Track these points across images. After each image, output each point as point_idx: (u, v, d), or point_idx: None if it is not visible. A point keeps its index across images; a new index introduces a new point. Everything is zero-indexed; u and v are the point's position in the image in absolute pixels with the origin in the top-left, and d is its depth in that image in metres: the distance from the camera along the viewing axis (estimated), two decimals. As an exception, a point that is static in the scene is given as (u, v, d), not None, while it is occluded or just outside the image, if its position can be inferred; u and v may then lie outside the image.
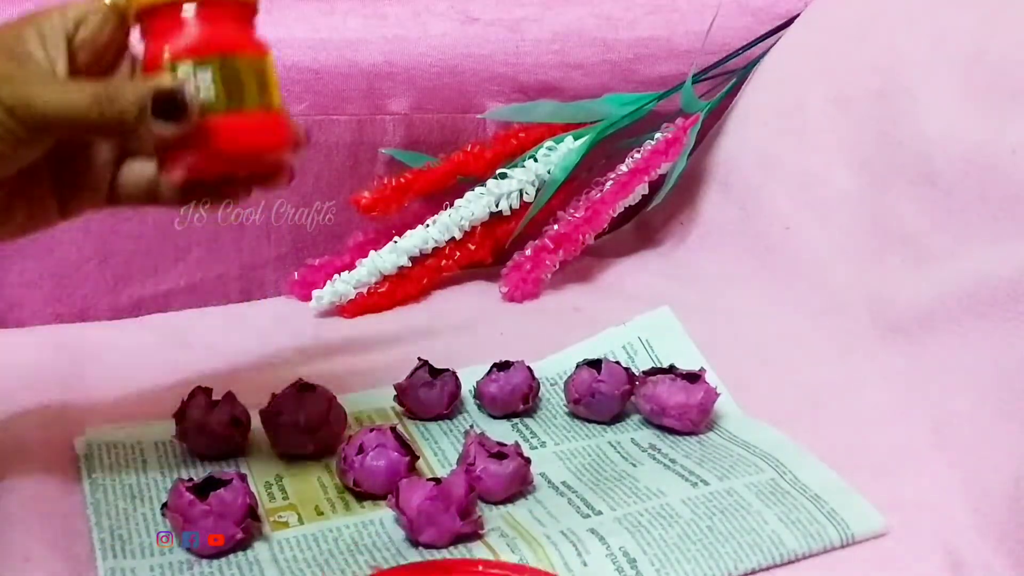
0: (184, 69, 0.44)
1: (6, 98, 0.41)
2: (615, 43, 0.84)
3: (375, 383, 0.64)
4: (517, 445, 0.54)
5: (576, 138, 0.80)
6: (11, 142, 0.42)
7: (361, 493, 0.53)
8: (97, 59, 0.46)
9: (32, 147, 0.44)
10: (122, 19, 0.46)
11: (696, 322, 0.69)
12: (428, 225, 0.79)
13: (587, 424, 0.61)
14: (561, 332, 0.70)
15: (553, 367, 0.66)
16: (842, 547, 0.51)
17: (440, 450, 0.58)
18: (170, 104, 0.42)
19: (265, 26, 0.77)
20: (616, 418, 0.61)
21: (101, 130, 0.43)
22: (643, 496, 0.53)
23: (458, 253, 0.79)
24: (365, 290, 0.76)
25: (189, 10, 0.44)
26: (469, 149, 0.80)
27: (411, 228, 0.79)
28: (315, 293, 0.75)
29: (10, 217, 0.47)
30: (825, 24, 0.81)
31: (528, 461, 0.54)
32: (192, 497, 0.47)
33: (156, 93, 0.42)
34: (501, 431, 0.60)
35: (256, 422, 0.57)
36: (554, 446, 0.59)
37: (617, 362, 0.62)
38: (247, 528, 0.48)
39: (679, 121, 0.81)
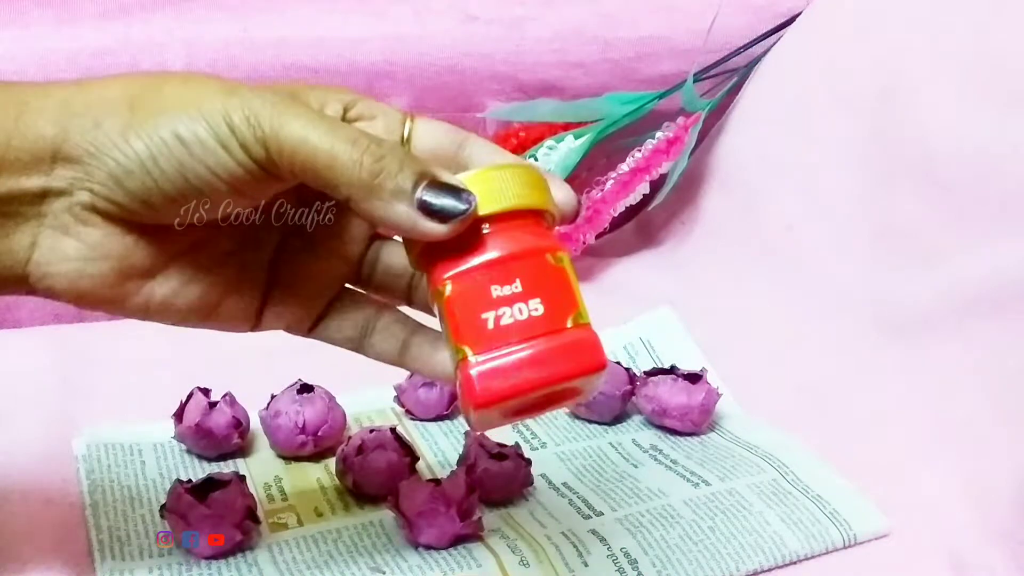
0: None
1: (263, 125, 0.34)
2: (616, 41, 0.83)
3: (375, 383, 0.63)
4: (517, 446, 0.54)
5: (577, 137, 0.80)
6: (233, 176, 0.35)
7: (361, 494, 0.52)
8: None
9: (252, 187, 0.36)
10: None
11: (697, 322, 0.69)
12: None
13: (588, 425, 0.61)
14: (562, 332, 0.70)
15: (554, 367, 0.66)
16: (844, 548, 0.51)
17: (440, 451, 0.58)
18: (438, 201, 0.34)
19: (264, 25, 0.78)
20: (617, 419, 0.61)
21: (345, 185, 0.34)
22: (644, 497, 0.53)
23: (459, 252, 0.79)
24: (365, 290, 0.76)
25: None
26: (469, 148, 0.79)
27: (411, 228, 0.79)
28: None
29: (197, 299, 0.39)
30: (827, 22, 0.80)
31: (528, 462, 0.53)
32: (191, 498, 0.47)
33: (432, 177, 0.34)
34: (501, 432, 0.59)
35: (255, 423, 0.57)
36: (555, 447, 0.59)
37: (618, 362, 0.62)
38: (246, 529, 0.48)
39: (680, 120, 0.81)
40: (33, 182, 0.36)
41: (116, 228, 0.37)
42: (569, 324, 0.34)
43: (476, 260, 0.35)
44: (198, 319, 0.40)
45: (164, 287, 0.38)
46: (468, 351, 0.34)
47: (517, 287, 0.34)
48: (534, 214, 0.36)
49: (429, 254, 0.36)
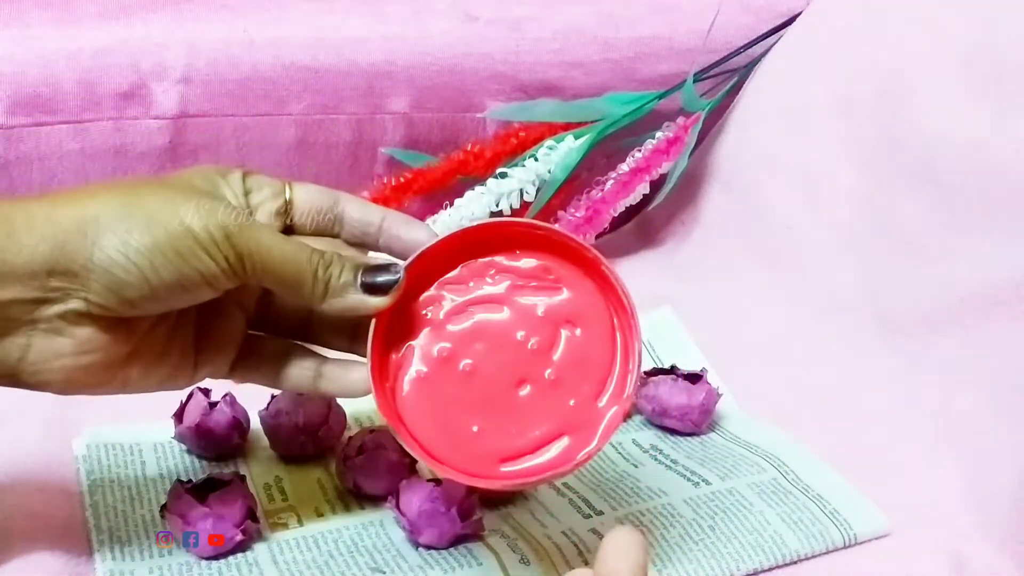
0: None
1: (240, 244, 0.41)
2: (616, 42, 0.83)
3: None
4: (518, 445, 0.54)
5: (577, 137, 0.80)
6: (217, 282, 0.41)
7: (361, 494, 0.52)
8: None
9: (223, 285, 0.42)
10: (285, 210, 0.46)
11: (697, 322, 0.69)
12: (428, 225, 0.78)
13: (588, 424, 0.61)
14: (562, 332, 0.70)
15: (554, 367, 0.66)
16: (845, 547, 0.51)
17: (440, 451, 0.58)
18: (377, 279, 0.43)
19: (264, 25, 0.78)
20: (617, 418, 0.61)
21: (307, 295, 0.42)
22: (644, 496, 0.53)
23: (458, 253, 0.79)
24: (365, 290, 0.76)
25: None
26: (469, 148, 0.79)
27: (411, 228, 0.79)
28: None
29: (156, 370, 0.44)
30: (827, 23, 0.81)
31: (529, 462, 0.53)
32: (191, 498, 0.47)
33: (367, 266, 0.43)
34: (502, 431, 0.59)
35: (255, 423, 0.57)
36: (555, 446, 0.59)
37: (618, 362, 0.62)
38: (246, 530, 0.48)
39: (680, 120, 0.81)
40: (29, 293, 0.40)
41: (102, 324, 0.41)
42: None
43: None
44: (160, 385, 0.45)
45: (137, 366, 0.43)
46: None
47: None
48: None
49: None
